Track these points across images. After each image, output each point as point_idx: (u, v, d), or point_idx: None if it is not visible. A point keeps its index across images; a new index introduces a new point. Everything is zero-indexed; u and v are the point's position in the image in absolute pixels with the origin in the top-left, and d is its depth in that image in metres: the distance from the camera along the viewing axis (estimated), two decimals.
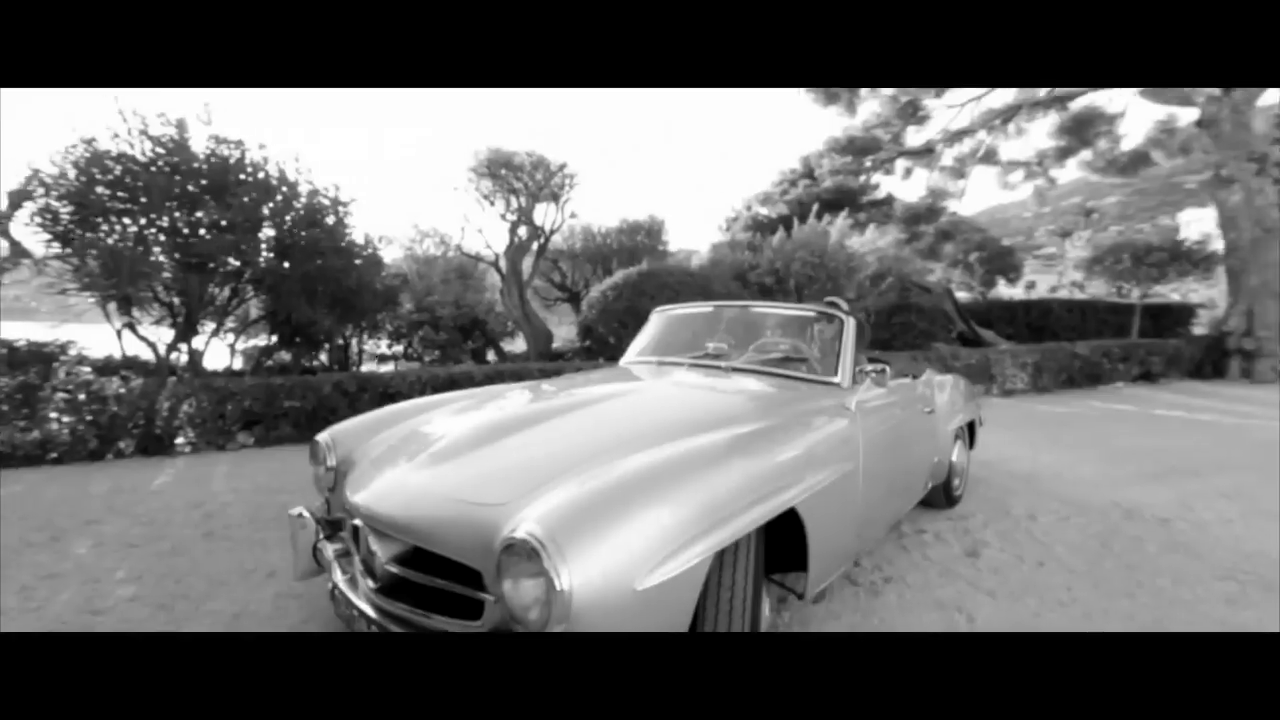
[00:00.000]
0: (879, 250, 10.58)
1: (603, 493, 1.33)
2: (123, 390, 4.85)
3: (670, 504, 1.34)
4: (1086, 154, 15.32)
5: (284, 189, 6.56)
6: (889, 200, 14.56)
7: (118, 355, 6.24)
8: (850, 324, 2.51)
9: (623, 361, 3.03)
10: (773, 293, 9.42)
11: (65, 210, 5.64)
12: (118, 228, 5.73)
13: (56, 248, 5.58)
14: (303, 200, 6.71)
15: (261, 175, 6.37)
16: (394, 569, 1.53)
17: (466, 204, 10.07)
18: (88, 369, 4.95)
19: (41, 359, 4.67)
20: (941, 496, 3.46)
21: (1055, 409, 7.47)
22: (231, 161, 6.24)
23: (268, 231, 6.47)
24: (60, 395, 4.72)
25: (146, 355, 6.30)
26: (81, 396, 4.74)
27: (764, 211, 13.90)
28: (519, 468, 1.57)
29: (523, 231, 9.27)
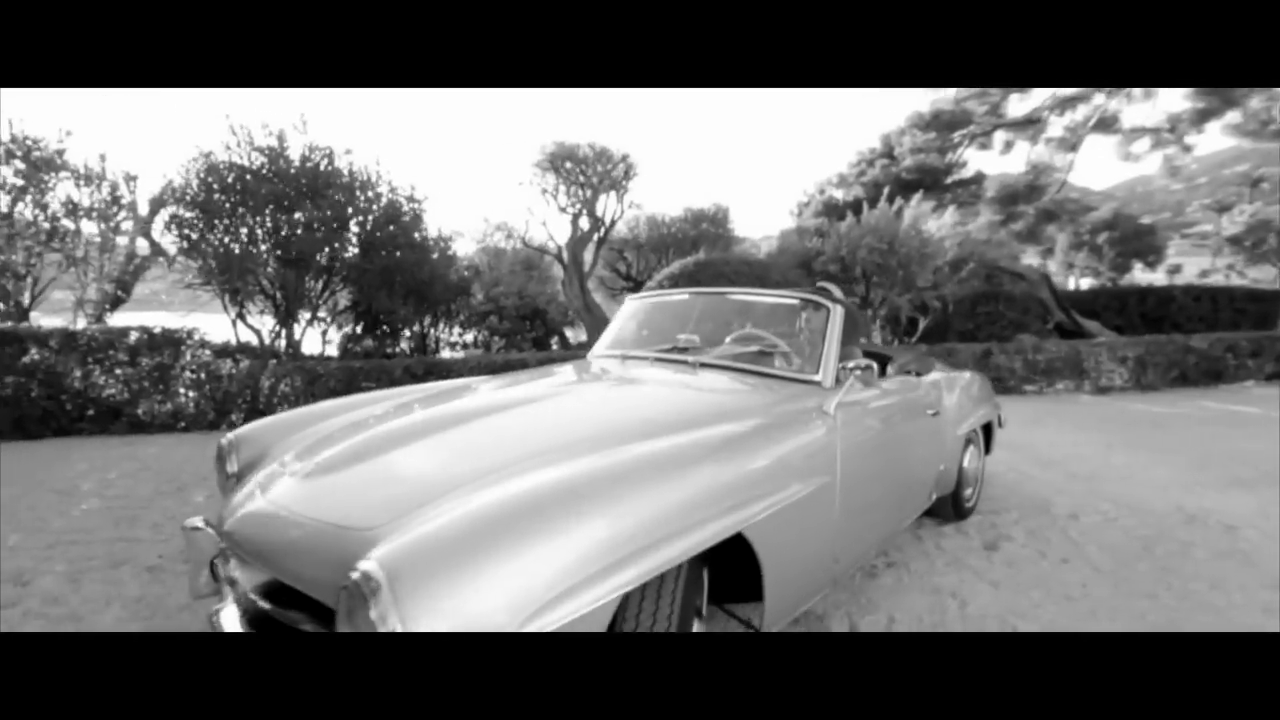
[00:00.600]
0: (959, 234, 9.91)
1: (479, 520, 1.10)
2: (233, 371, 5.62)
3: (570, 533, 1.11)
4: (1234, 115, 13.43)
5: (367, 191, 7.23)
6: (977, 179, 13.51)
7: (233, 341, 7.19)
8: (837, 314, 2.22)
9: (590, 354, 2.77)
10: (839, 281, 9.13)
11: (190, 215, 6.58)
12: (230, 229, 6.60)
13: (184, 247, 6.51)
14: (383, 200, 7.37)
15: (345, 179, 7.06)
16: (257, 599, 1.32)
17: (531, 198, 10.46)
18: (208, 352, 5.77)
19: (172, 343, 5.52)
20: (949, 508, 3.07)
21: (1154, 408, 6.75)
22: (322, 167, 6.97)
23: (353, 229, 7.18)
24: (187, 374, 5.56)
25: (257, 341, 7.22)
26: (202, 375, 5.55)
27: (838, 195, 13.37)
28: (406, 483, 1.35)
29: (584, 223, 9.57)
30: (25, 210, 5.76)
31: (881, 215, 8.92)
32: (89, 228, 6.42)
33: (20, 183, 5.67)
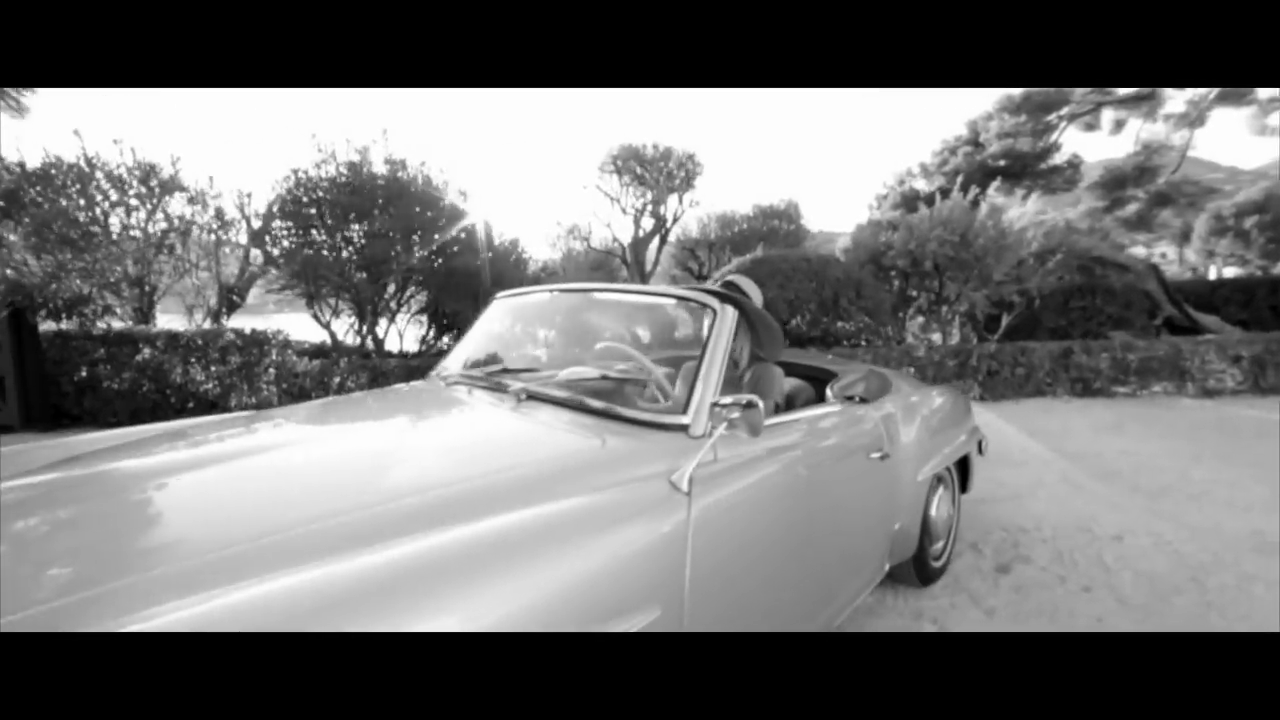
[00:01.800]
0: (1047, 223, 9.09)
1: None
2: (308, 368, 6.22)
3: None
4: None
5: (437, 198, 7.71)
6: (1073, 163, 12.24)
7: (327, 341, 7.92)
8: (724, 319, 1.63)
9: (435, 372, 2.19)
10: (909, 277, 8.66)
11: (284, 227, 7.31)
12: (315, 238, 7.27)
13: (274, 255, 7.26)
14: (450, 206, 7.83)
15: (418, 187, 7.56)
16: None
17: (595, 200, 10.72)
18: (291, 351, 6.41)
19: (258, 343, 6.17)
20: (911, 573, 2.39)
21: (1269, 415, 5.92)
22: (397, 175, 7.51)
23: (426, 236, 7.68)
24: (270, 371, 6.21)
25: (333, 341, 7.90)
26: (280, 372, 6.19)
27: (921, 186, 12.60)
28: None
29: (647, 223, 9.67)
30: (143, 225, 6.65)
31: (954, 206, 8.36)
32: (200, 241, 7.29)
33: (136, 203, 6.54)
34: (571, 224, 11.16)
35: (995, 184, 8.92)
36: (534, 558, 1.02)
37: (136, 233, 6.63)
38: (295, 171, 7.31)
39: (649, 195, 9.66)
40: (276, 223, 7.36)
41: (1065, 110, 11.60)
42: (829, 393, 2.04)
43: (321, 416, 1.84)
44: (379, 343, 7.87)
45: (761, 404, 1.37)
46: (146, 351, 5.80)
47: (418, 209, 7.38)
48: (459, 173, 8.64)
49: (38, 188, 6.18)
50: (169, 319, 7.25)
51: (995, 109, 11.59)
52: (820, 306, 7.51)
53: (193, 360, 5.90)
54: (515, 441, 1.50)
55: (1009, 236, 8.35)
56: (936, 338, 9.64)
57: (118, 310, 6.67)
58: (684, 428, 1.43)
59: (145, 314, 6.84)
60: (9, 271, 5.68)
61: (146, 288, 6.74)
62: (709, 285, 2.08)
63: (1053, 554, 2.80)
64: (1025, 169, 11.40)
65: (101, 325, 6.27)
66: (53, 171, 6.28)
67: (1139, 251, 11.46)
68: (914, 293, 9.07)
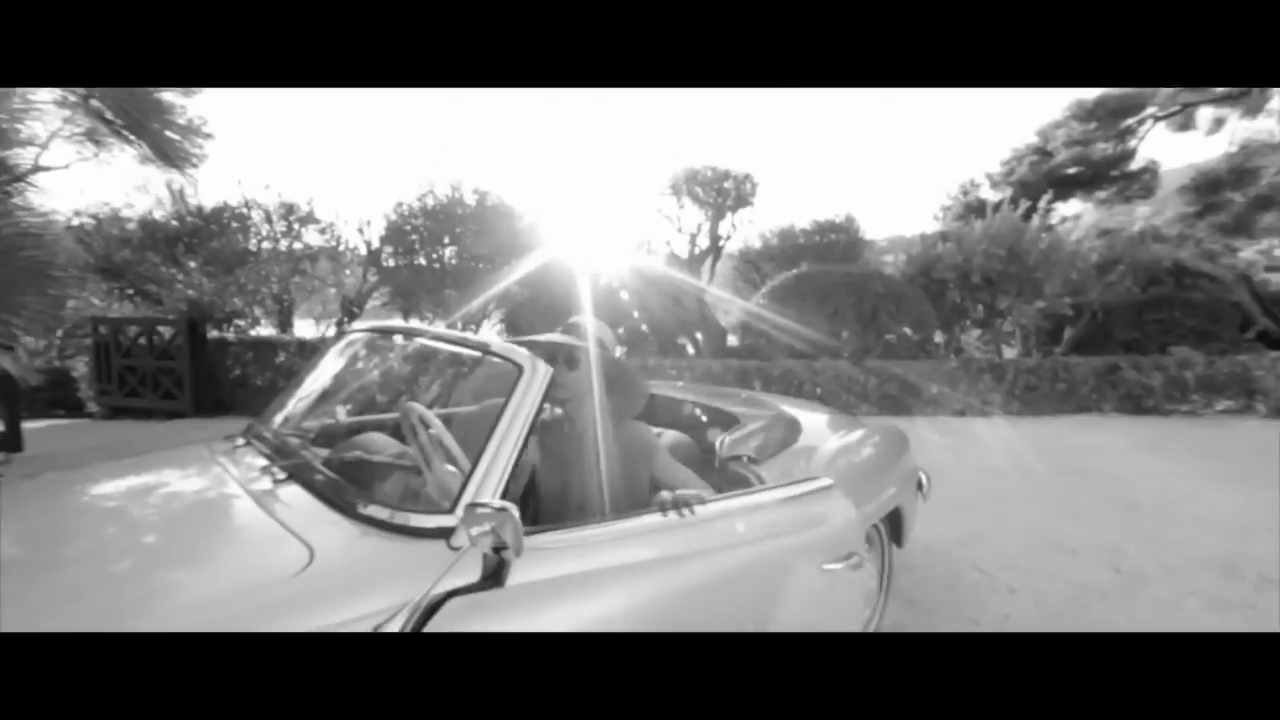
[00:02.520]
0: (1110, 233, 8.92)
1: None
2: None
3: None
4: None
5: (512, 222, 8.85)
6: (1150, 170, 11.59)
7: None
8: (534, 380, 1.31)
9: (255, 420, 1.84)
10: (960, 290, 8.78)
11: (391, 250, 8.71)
12: (415, 260, 8.60)
13: (377, 273, 8.65)
14: (527, 227, 8.95)
15: (496, 210, 8.73)
16: None
17: (656, 222, 11.54)
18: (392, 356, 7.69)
19: None
20: None
21: None
22: (484, 204, 8.72)
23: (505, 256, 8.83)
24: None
25: None
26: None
27: (986, 196, 12.44)
28: None
29: (702, 241, 10.40)
30: (285, 252, 8.22)
31: (1003, 220, 8.45)
32: (327, 263, 8.85)
33: (280, 235, 8.12)
34: (641, 240, 12.04)
35: (1047, 196, 8.85)
36: None
37: (280, 258, 8.21)
38: (400, 204, 8.69)
39: (706, 214, 10.38)
40: (386, 247, 8.77)
41: (1148, 111, 11.11)
42: (718, 449, 1.85)
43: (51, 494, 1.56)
44: None
45: (513, 509, 1.02)
46: (282, 355, 7.24)
47: (498, 240, 8.51)
48: (531, 191, 9.74)
49: (212, 226, 7.85)
50: (304, 326, 8.85)
51: (1065, 116, 11.28)
52: (859, 320, 7.91)
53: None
54: (212, 554, 1.20)
55: (1061, 249, 8.32)
56: (1010, 351, 9.65)
57: (263, 321, 8.27)
58: (448, 532, 1.10)
59: (285, 324, 8.41)
60: (190, 292, 7.30)
61: (286, 302, 8.29)
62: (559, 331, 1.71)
63: (1023, 573, 3.23)
64: (1096, 176, 10.98)
65: (251, 333, 7.84)
66: (224, 214, 7.94)
67: (1245, 256, 10.73)
68: (967, 305, 9.18)
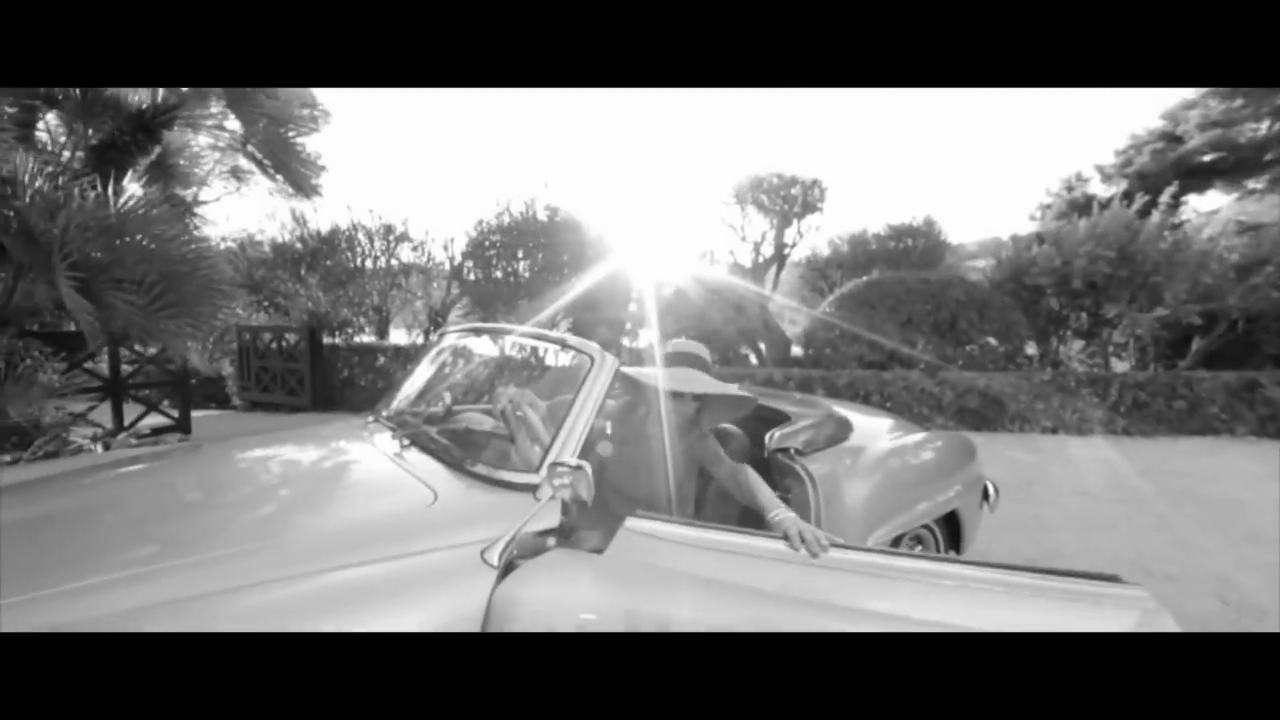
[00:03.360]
0: (1257, 228, 7.72)
1: None
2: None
3: None
4: None
5: (579, 234, 9.28)
6: None
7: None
8: (603, 369, 1.57)
9: (377, 406, 2.22)
10: (1060, 296, 8.00)
11: (470, 265, 9.44)
12: (493, 273, 9.26)
13: (459, 285, 9.40)
14: (596, 239, 9.34)
15: (567, 231, 9.19)
16: None
17: (719, 231, 11.50)
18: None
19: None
20: None
21: None
22: (555, 220, 9.23)
23: (575, 268, 9.28)
24: None
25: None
26: None
27: (1097, 191, 11.15)
28: None
29: (766, 249, 10.29)
30: (384, 267, 9.19)
31: (1113, 218, 7.60)
32: (418, 277, 9.77)
33: (380, 253, 9.08)
34: (704, 250, 12.09)
35: (1171, 188, 7.83)
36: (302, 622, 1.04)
37: (380, 274, 9.19)
38: (480, 221, 9.41)
39: (771, 221, 10.26)
40: (467, 262, 9.52)
41: None
42: (767, 442, 1.92)
43: (236, 454, 1.99)
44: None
45: (587, 467, 1.30)
46: (381, 359, 8.09)
47: (567, 253, 8.96)
48: (597, 202, 10.13)
49: (325, 247, 8.97)
50: (397, 334, 9.83)
51: (1199, 96, 9.81)
52: (935, 328, 7.46)
53: (408, 364, 8.11)
54: (360, 492, 1.60)
55: (1188, 249, 7.34)
56: (1122, 366, 8.67)
57: (365, 329, 9.29)
58: (533, 488, 1.35)
59: (383, 331, 9.39)
60: (309, 304, 8.39)
61: (384, 312, 9.25)
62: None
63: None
64: (1242, 163, 9.39)
65: (356, 340, 8.84)
66: (336, 236, 9.05)
67: None
68: (1067, 313, 8.34)
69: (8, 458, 3.38)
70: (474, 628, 1.12)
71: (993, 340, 7.50)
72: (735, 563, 1.27)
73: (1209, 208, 10.16)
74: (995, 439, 6.26)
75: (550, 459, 1.37)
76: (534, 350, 2.03)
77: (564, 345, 1.76)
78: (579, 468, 1.29)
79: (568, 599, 1.16)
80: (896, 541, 2.07)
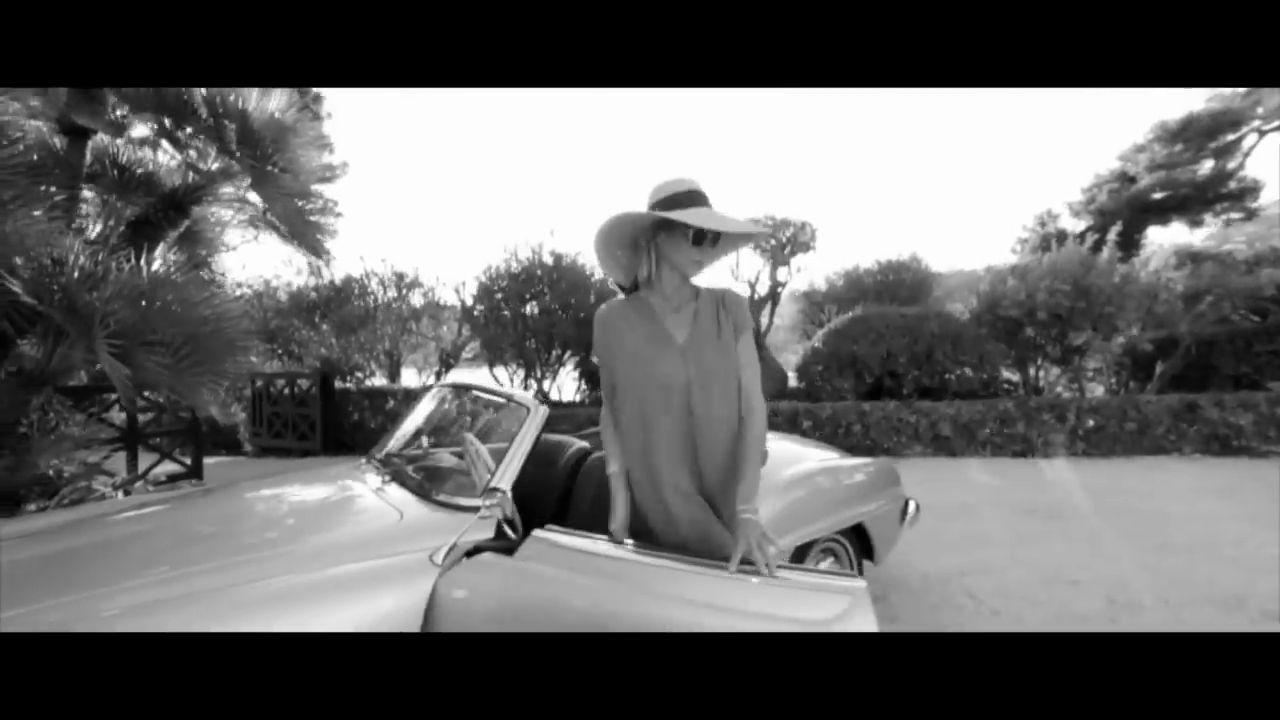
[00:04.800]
0: (1196, 260, 8.43)
1: None
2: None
3: None
4: None
5: (592, 279, 9.86)
6: (1249, 189, 10.60)
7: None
8: (534, 415, 1.94)
9: (373, 450, 2.64)
10: (1022, 327, 8.62)
11: (479, 307, 9.98)
12: (501, 316, 9.80)
13: (469, 327, 9.91)
14: (599, 284, 9.91)
15: (571, 275, 9.77)
16: None
17: (715, 270, 12.14)
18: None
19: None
20: None
21: None
22: (560, 264, 9.81)
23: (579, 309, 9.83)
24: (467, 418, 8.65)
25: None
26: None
27: (1070, 226, 11.96)
28: None
29: (762, 288, 10.92)
30: (395, 312, 9.71)
31: (1066, 255, 8.29)
32: (429, 320, 10.28)
33: (392, 299, 9.61)
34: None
35: (1116, 226, 8.56)
36: (292, 613, 1.38)
37: (391, 318, 9.71)
38: (489, 266, 9.99)
39: (764, 260, 10.92)
40: (478, 305, 10.06)
41: (1249, 127, 10.37)
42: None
43: (244, 489, 2.39)
44: (544, 394, 10.11)
45: (509, 494, 1.69)
46: (390, 402, 8.53)
47: (572, 296, 9.52)
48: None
49: (339, 294, 9.49)
50: (408, 375, 10.31)
51: (1146, 139, 10.74)
52: (912, 360, 8.02)
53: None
54: (347, 515, 1.98)
55: (1135, 281, 8.01)
56: (1097, 390, 9.23)
57: (376, 373, 9.75)
58: (475, 509, 1.73)
59: (394, 374, 9.85)
60: (323, 350, 8.86)
61: (395, 356, 9.73)
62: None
63: (966, 593, 3.50)
64: (1188, 200, 10.25)
65: (367, 383, 9.27)
66: (350, 283, 9.58)
67: None
68: (1042, 342, 8.95)
69: (32, 506, 3.62)
70: (422, 610, 1.47)
71: (968, 370, 8.05)
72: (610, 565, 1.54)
73: (1171, 241, 10.97)
74: (965, 464, 6.74)
75: (491, 484, 1.71)
76: (490, 403, 2.45)
77: (510, 400, 2.15)
78: (505, 493, 1.67)
79: (485, 587, 1.52)
80: (806, 549, 2.47)
